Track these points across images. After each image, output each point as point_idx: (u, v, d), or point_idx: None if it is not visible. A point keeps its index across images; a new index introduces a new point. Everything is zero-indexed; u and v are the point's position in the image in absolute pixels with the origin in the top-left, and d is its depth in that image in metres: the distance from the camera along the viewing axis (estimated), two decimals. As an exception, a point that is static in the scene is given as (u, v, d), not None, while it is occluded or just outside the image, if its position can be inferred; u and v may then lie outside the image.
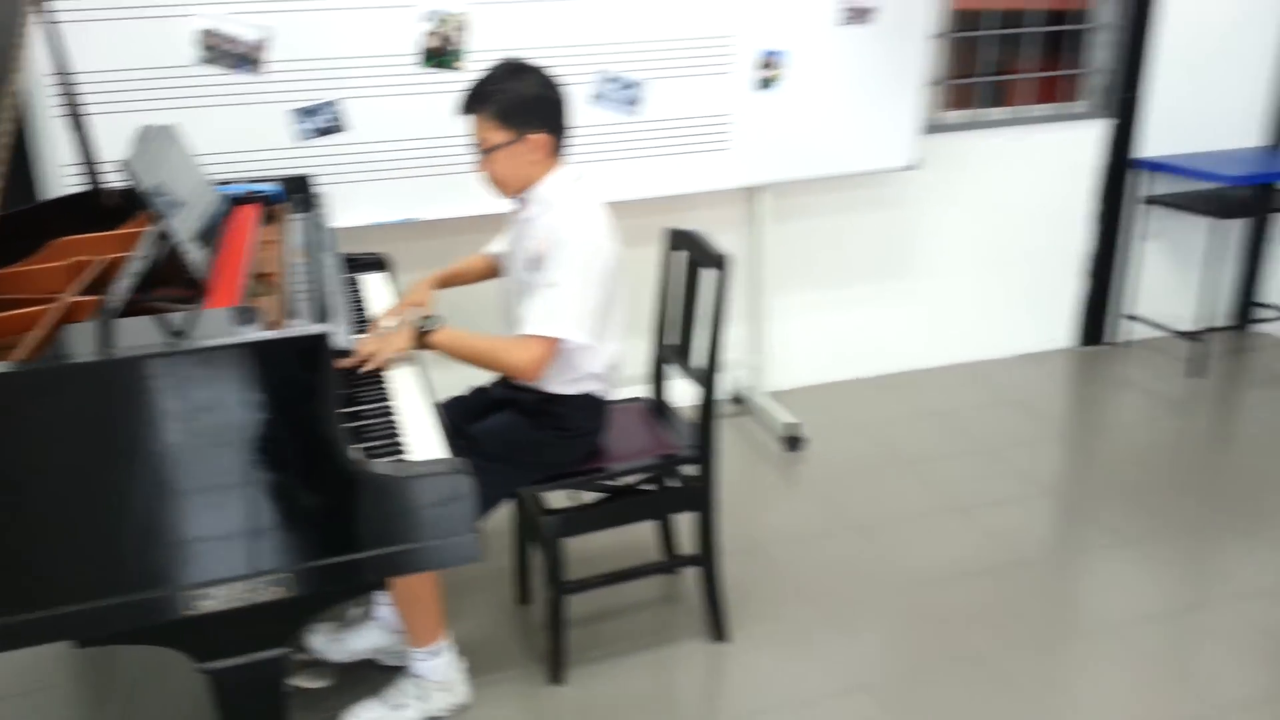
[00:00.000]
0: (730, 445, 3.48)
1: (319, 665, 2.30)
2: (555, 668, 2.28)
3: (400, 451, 1.65)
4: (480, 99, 2.02)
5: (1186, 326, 4.11)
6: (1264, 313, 4.35)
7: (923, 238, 3.88)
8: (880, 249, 3.85)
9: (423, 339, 2.01)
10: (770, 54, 3.09)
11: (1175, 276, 4.23)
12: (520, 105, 2.01)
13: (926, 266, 3.93)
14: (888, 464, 3.32)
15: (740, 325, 3.69)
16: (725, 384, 3.80)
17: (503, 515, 2.76)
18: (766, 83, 3.11)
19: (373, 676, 2.27)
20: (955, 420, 3.64)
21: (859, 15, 3.13)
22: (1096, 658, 2.37)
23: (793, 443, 3.41)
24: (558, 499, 2.28)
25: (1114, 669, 2.33)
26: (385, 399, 1.83)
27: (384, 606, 2.30)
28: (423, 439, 1.70)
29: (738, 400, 3.80)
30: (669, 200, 3.21)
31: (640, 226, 2.77)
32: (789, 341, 3.83)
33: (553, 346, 2.03)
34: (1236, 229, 4.26)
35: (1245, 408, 3.76)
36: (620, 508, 2.30)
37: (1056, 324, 4.23)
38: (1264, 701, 2.21)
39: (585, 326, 2.03)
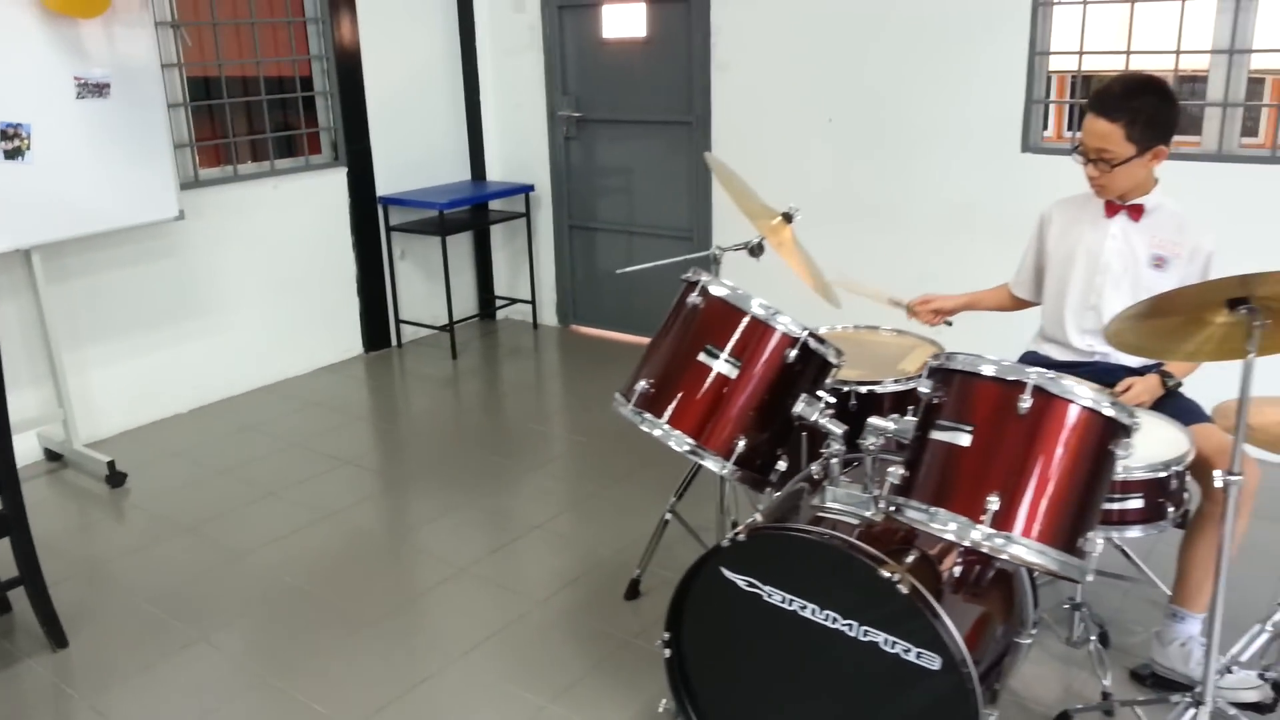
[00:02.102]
0: (55, 497, 3.65)
1: None
2: (-118, 719, 2.36)
3: None
4: None
5: (443, 321, 5.22)
6: (499, 303, 5.70)
7: (210, 278, 4.39)
8: (171, 293, 4.27)
9: None
10: (11, 125, 3.34)
11: (428, 284, 5.34)
12: None
13: (219, 303, 4.45)
14: (207, 476, 3.78)
15: (39, 386, 3.83)
16: (36, 442, 3.90)
17: None
18: (14, 153, 3.36)
19: None
20: (266, 429, 4.22)
21: (95, 90, 3.53)
22: (409, 556, 3.15)
23: (114, 479, 3.69)
24: None
25: (426, 562, 3.13)
26: None
27: None
28: None
29: (55, 456, 3.93)
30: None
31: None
32: (98, 393, 4.06)
33: None
34: (465, 241, 5.53)
35: (496, 375, 4.96)
36: (-75, 550, 2.45)
37: (346, 337, 5.06)
38: (521, 537, 3.19)
39: None
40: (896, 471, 1.78)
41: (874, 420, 1.91)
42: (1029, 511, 1.67)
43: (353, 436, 4.18)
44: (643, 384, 2.05)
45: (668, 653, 2.09)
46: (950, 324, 2.83)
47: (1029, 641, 2.09)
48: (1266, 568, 2.88)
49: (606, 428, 4.13)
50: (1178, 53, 3.51)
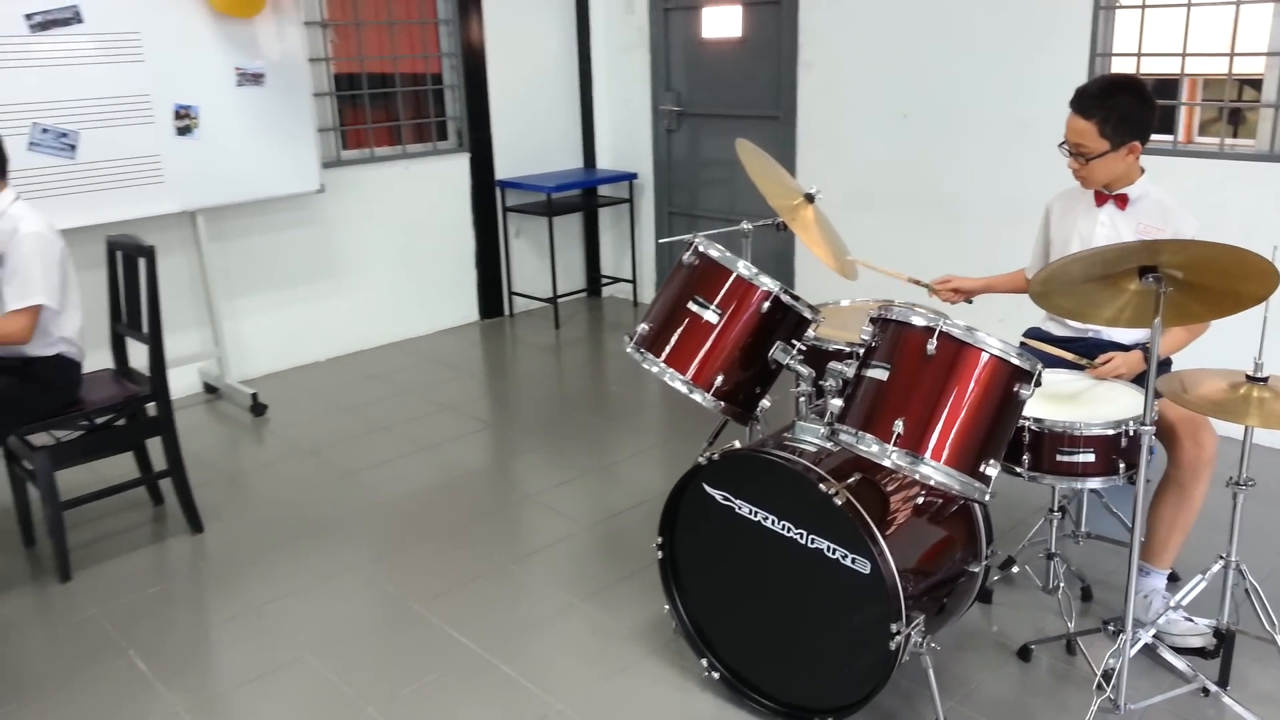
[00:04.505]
0: (208, 421, 4.35)
1: None
2: (62, 569, 3.02)
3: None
4: None
5: (550, 295, 5.73)
6: (605, 280, 6.17)
7: (347, 245, 5.04)
8: (314, 257, 4.94)
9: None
10: (183, 107, 4.03)
11: (539, 260, 5.87)
12: None
13: (354, 267, 5.09)
14: (333, 412, 4.41)
15: (201, 328, 4.55)
16: (197, 377, 4.63)
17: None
18: (185, 130, 4.05)
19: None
20: (388, 378, 4.83)
21: (253, 79, 4.19)
22: (487, 482, 3.65)
23: (257, 409, 4.36)
24: (44, 441, 3.03)
25: (500, 488, 3.63)
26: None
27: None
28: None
29: (211, 389, 4.65)
30: (120, 226, 3.97)
31: (101, 251, 3.54)
32: (250, 338, 4.76)
33: (35, 314, 2.82)
34: (576, 223, 6.03)
35: (598, 346, 5.43)
36: (100, 439, 3.11)
37: (464, 304, 5.65)
38: (585, 475, 3.64)
39: (54, 296, 2.85)
40: (835, 403, 2.11)
41: (833, 364, 2.24)
42: (938, 438, 1.97)
43: (460, 388, 4.73)
44: (644, 326, 2.45)
45: (660, 554, 2.48)
46: (970, 303, 3.08)
47: (978, 570, 2.37)
48: (1221, 527, 3.02)
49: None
50: (1231, 55, 3.61)
